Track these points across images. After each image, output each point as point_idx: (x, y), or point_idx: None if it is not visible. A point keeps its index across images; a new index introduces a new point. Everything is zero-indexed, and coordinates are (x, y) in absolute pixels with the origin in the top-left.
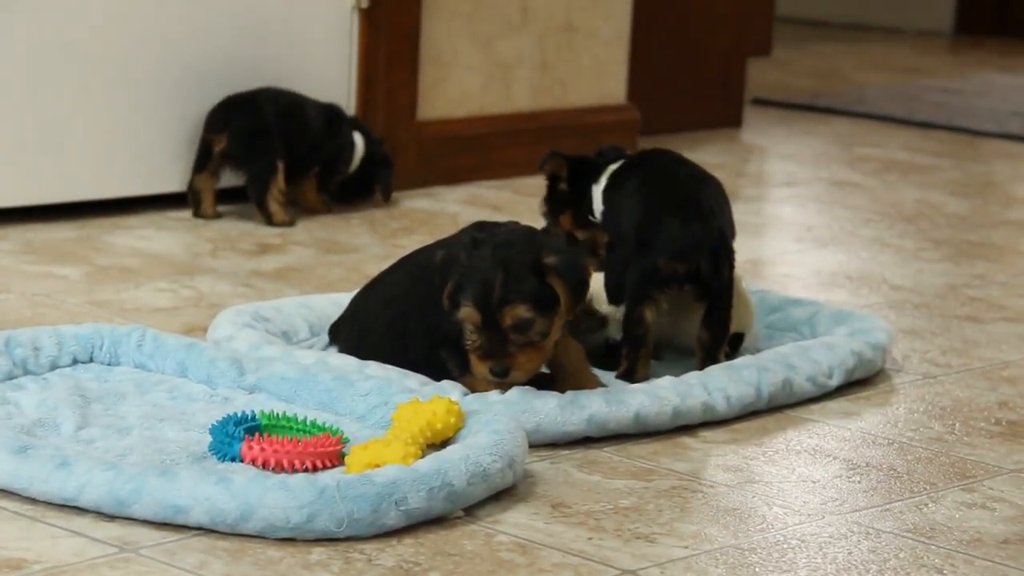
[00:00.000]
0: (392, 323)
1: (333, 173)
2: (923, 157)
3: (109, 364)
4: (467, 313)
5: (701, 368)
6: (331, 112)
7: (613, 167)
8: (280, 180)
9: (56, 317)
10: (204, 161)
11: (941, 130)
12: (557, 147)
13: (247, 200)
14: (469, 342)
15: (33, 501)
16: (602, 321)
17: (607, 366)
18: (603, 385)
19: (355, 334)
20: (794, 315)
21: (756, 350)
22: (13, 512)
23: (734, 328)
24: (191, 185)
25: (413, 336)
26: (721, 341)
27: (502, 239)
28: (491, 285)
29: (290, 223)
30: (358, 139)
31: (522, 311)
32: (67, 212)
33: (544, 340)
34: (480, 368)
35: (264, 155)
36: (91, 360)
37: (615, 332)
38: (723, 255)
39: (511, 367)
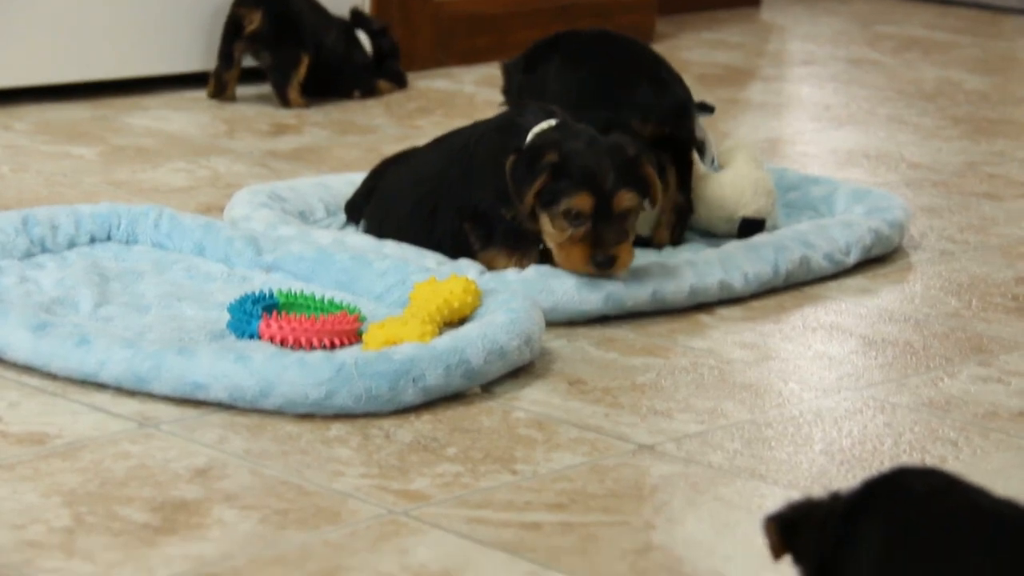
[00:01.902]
0: (421, 200)
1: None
2: (943, 34)
3: (127, 243)
4: (578, 201)
5: (674, 234)
6: (348, 29)
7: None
8: (302, 72)
9: (73, 197)
10: (231, 41)
11: (961, 7)
12: (574, 27)
13: (264, 81)
14: (570, 232)
15: (54, 377)
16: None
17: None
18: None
19: (380, 211)
20: (812, 193)
21: (774, 228)
22: (34, 388)
23: (752, 213)
24: (217, 74)
25: (443, 213)
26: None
27: (588, 133)
28: (604, 171)
29: (305, 105)
30: (364, 41)
31: (633, 197)
32: (83, 92)
33: (630, 237)
34: (578, 259)
35: (293, 44)
36: (109, 239)
37: (643, 232)
38: (687, 113)
39: (617, 256)
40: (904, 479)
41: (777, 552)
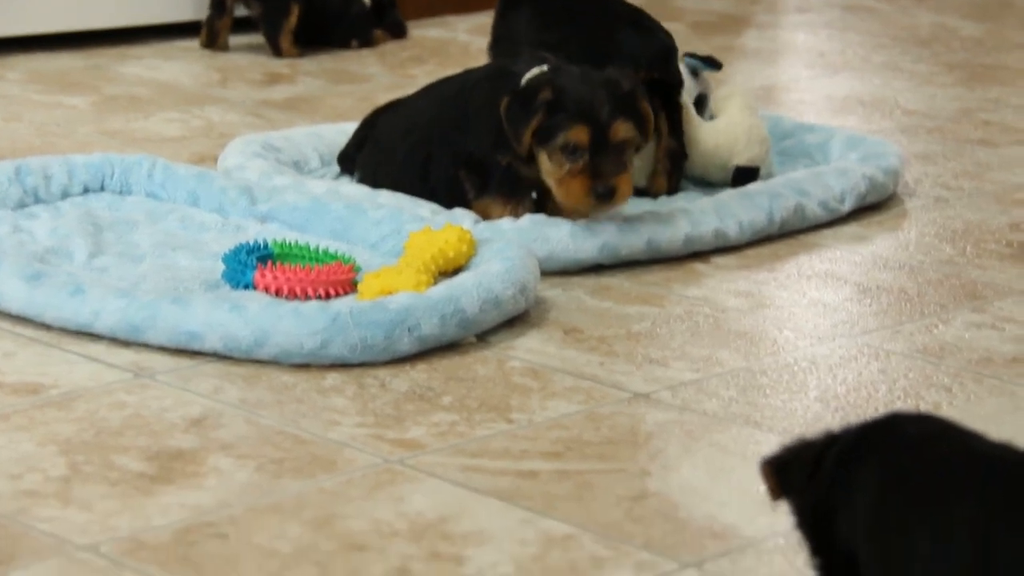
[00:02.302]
0: (414, 149)
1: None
2: None
3: (120, 193)
4: (575, 133)
5: (671, 181)
6: None
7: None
8: (292, 21)
9: (66, 146)
10: None
11: None
12: None
13: (257, 30)
14: (568, 167)
15: (48, 327)
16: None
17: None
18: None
19: (373, 160)
20: (807, 141)
21: (768, 176)
22: (29, 338)
23: (745, 161)
24: (209, 22)
25: (438, 161)
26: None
27: (581, 70)
28: (600, 104)
29: (298, 55)
30: None
31: (629, 128)
32: (75, 41)
33: (628, 168)
34: (578, 193)
35: None
36: (102, 189)
37: (639, 183)
38: (673, 58)
39: (616, 187)
40: (898, 424)
41: (775, 494)
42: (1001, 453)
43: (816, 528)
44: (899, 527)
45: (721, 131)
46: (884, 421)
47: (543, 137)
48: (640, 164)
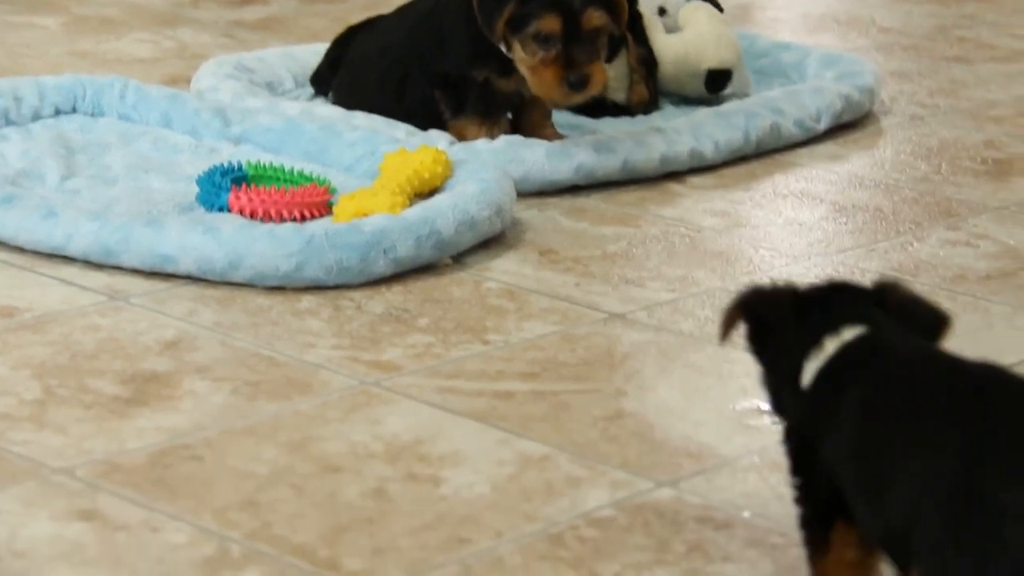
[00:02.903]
0: (389, 70)
1: None
2: None
3: (92, 115)
4: (546, 22)
5: (649, 87)
6: None
7: None
8: None
9: (37, 67)
10: None
11: None
12: None
13: None
14: (541, 55)
15: (21, 250)
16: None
17: (595, 115)
18: (563, 138)
19: (348, 81)
20: (783, 60)
21: (744, 95)
22: (2, 261)
23: (716, 64)
24: None
25: (413, 82)
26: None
27: None
28: None
29: None
30: None
31: (602, 16)
32: None
33: (601, 57)
34: (551, 82)
35: None
36: (74, 111)
37: (615, 96)
38: None
39: (590, 75)
40: (882, 343)
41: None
42: (985, 372)
43: (800, 449)
44: (885, 448)
45: (689, 40)
46: (867, 338)
47: (516, 26)
48: (616, 77)
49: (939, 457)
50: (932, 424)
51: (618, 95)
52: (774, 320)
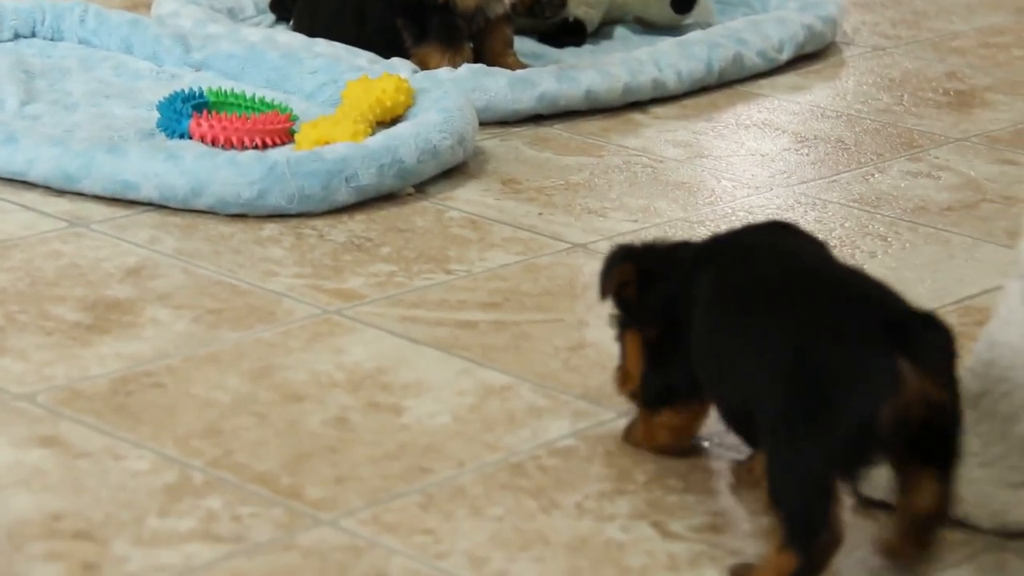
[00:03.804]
0: None
1: None
2: None
3: (52, 40)
4: None
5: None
6: None
7: None
8: None
9: None
10: None
11: None
12: None
13: None
14: None
15: None
16: (561, 2)
17: (557, 45)
18: (525, 67)
19: (309, 7)
20: None
21: (707, 25)
22: None
23: None
24: None
25: (373, 8)
26: None
27: None
28: None
29: None
30: None
31: None
32: None
33: None
34: None
35: None
36: (33, 35)
37: (576, 11)
38: None
39: None
40: (743, 235)
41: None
42: (821, 268)
43: (662, 330)
44: (727, 331)
45: None
46: (735, 232)
47: None
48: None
49: (775, 337)
50: (768, 315)
51: (580, 12)
52: (657, 258)
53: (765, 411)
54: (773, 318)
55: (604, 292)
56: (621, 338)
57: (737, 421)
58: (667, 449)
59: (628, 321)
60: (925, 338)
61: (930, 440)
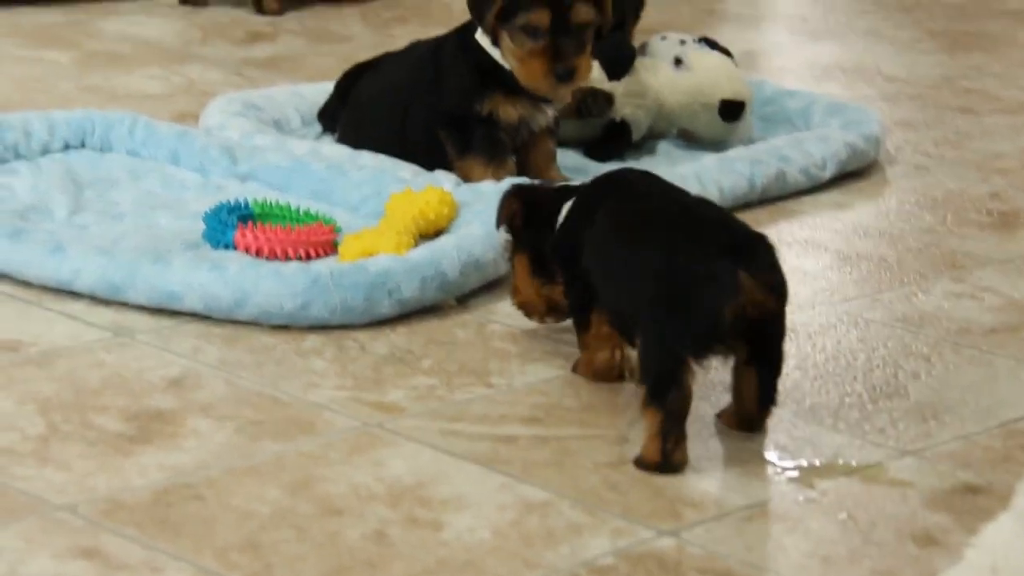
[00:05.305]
0: (392, 109)
1: None
2: None
3: (101, 150)
4: (537, 16)
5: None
6: None
7: None
8: None
9: (46, 102)
10: None
11: None
12: None
13: None
14: (529, 47)
15: (28, 285)
16: (608, 99)
17: (601, 156)
18: (567, 180)
19: (354, 120)
20: (788, 107)
21: (750, 141)
22: (8, 295)
23: (731, 95)
24: None
25: (415, 119)
26: None
27: None
28: None
29: (279, 12)
30: None
31: (588, 11)
32: None
33: (587, 50)
34: (538, 72)
35: None
36: (83, 146)
37: (623, 111)
38: None
39: (576, 69)
40: (623, 179)
41: (502, 223)
42: (691, 202)
43: (566, 259)
44: (616, 248)
45: (700, 72)
46: (614, 176)
47: (506, 17)
48: (624, 94)
49: (650, 251)
50: (648, 233)
51: (627, 113)
52: (539, 196)
53: (640, 305)
54: (650, 237)
55: (498, 222)
56: (511, 260)
57: (620, 319)
58: (603, 370)
59: (516, 246)
60: (759, 255)
61: (760, 341)
